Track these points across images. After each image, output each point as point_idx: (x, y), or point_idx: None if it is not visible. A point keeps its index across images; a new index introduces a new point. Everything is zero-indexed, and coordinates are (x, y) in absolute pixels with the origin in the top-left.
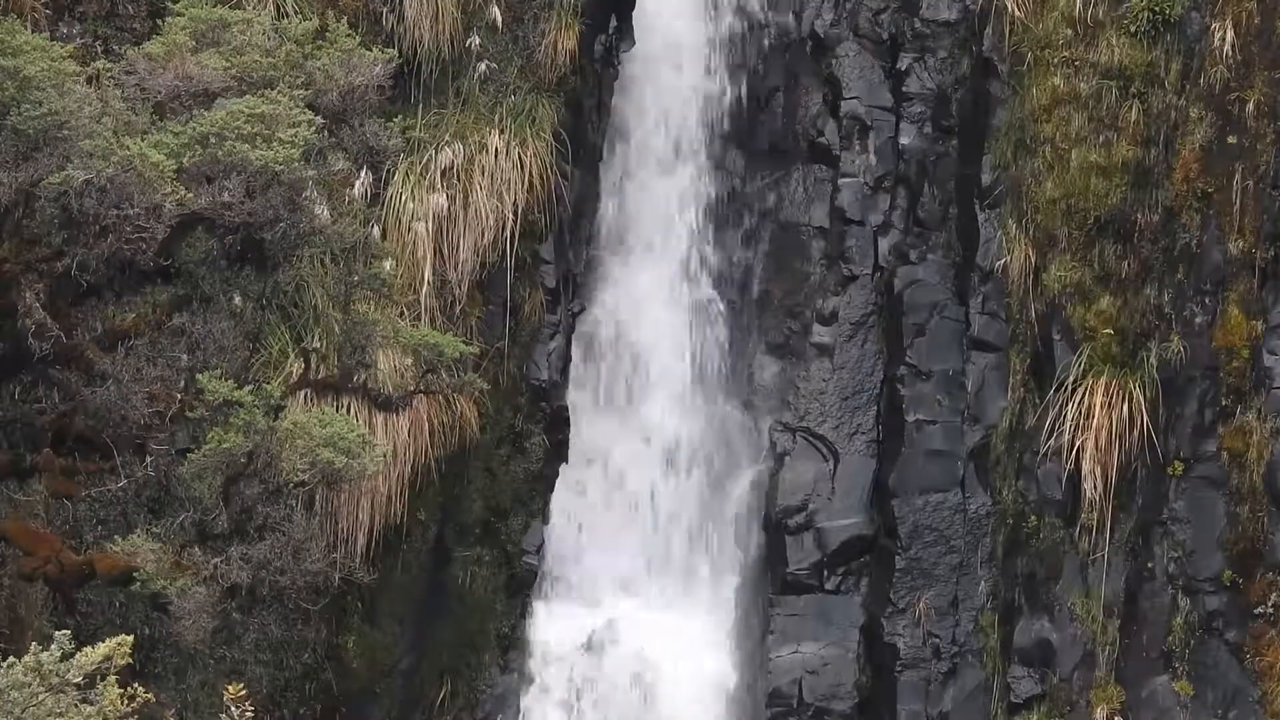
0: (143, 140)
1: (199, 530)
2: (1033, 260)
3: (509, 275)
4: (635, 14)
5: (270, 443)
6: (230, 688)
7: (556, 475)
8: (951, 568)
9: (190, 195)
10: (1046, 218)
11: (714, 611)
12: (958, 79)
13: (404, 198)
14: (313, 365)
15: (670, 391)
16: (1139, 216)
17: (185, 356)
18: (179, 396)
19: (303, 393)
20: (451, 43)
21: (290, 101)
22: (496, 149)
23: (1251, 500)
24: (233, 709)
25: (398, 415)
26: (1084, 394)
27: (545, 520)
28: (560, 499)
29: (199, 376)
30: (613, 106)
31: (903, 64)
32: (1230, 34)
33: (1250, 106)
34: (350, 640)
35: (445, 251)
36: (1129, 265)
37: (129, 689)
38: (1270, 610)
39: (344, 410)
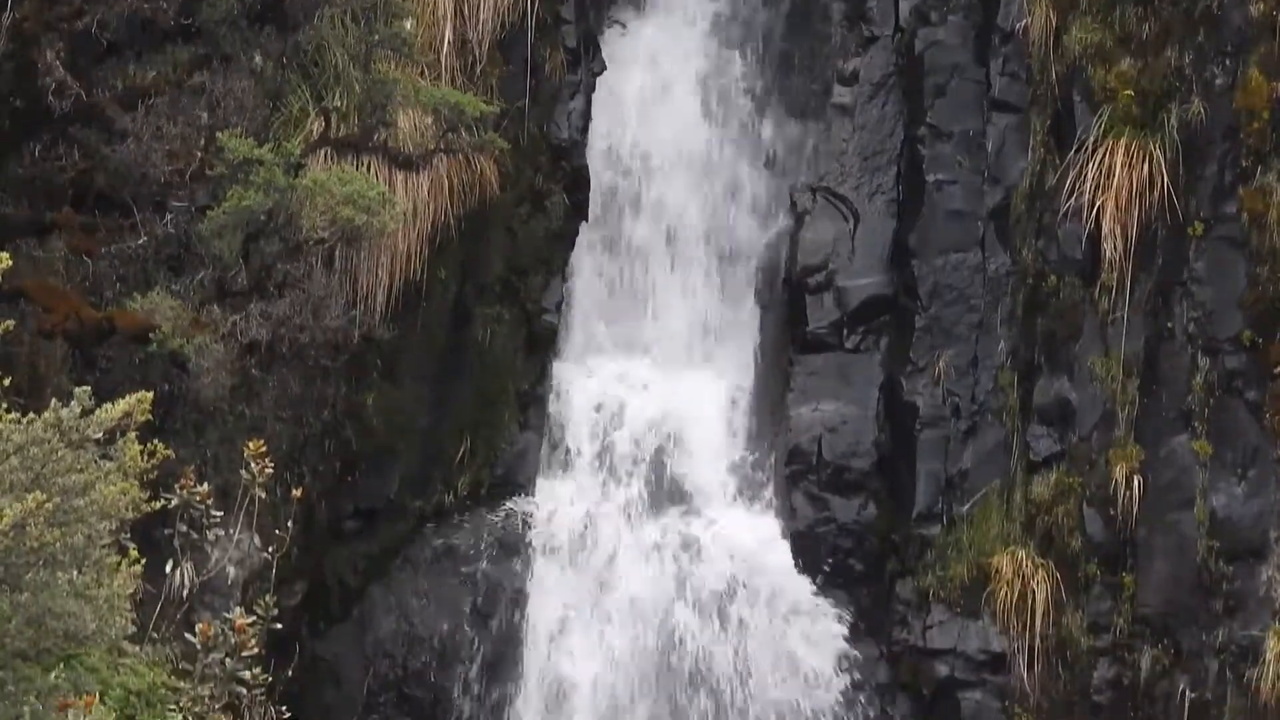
0: None
1: (218, 287)
2: (1053, 22)
3: (530, 35)
4: None
5: (290, 200)
6: (250, 444)
7: (576, 234)
8: (971, 326)
9: None
10: None
11: (735, 370)
12: None
13: None
14: (333, 124)
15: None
16: None
17: (205, 115)
18: (199, 154)
19: (323, 151)
20: None
21: None
22: None
23: (1271, 261)
24: (252, 465)
25: (418, 174)
26: (1104, 155)
27: (565, 278)
28: (579, 257)
29: (219, 135)
30: None
31: None
32: None
33: None
34: (370, 398)
35: (465, 11)
36: (1150, 27)
37: (148, 445)
38: None
39: (364, 169)
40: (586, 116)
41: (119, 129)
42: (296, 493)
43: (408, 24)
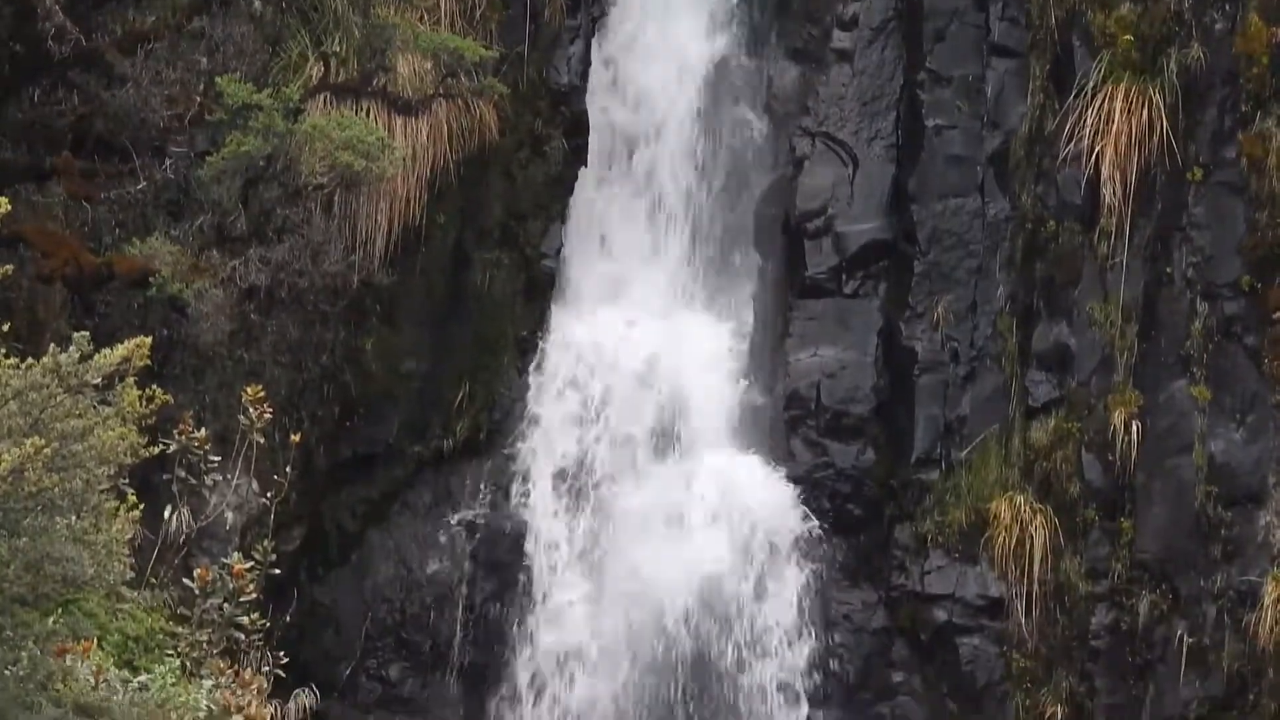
0: None
1: (218, 232)
2: None
3: None
4: None
5: (289, 145)
6: (249, 389)
7: (575, 179)
8: (970, 272)
9: None
10: None
11: (734, 315)
12: None
13: None
14: (332, 68)
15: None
16: None
17: (204, 60)
18: (198, 99)
19: (322, 96)
20: None
21: None
22: None
23: (1270, 206)
24: (250, 410)
25: (417, 119)
26: (1104, 100)
27: (563, 223)
28: (577, 203)
29: (218, 80)
30: None
31: None
32: None
33: None
34: (369, 343)
35: None
36: None
37: (147, 390)
38: None
39: (363, 114)
40: (586, 61)
41: (118, 74)
42: (295, 438)
43: None
